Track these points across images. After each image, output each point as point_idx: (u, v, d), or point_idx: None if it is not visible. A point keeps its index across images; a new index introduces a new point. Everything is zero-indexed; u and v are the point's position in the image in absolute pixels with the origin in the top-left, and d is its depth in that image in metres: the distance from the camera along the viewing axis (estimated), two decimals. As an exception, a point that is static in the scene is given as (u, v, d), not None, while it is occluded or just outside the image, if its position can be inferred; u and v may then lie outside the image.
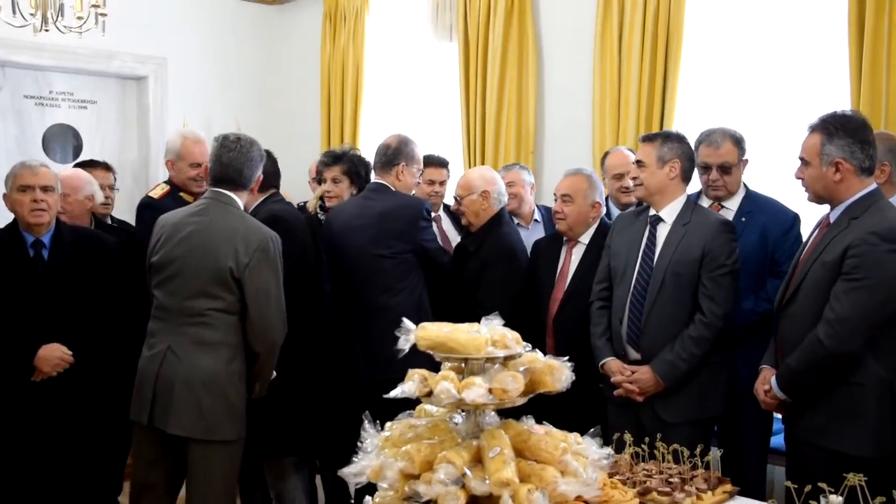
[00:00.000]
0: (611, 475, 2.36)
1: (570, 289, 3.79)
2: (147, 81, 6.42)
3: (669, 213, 3.34)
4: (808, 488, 2.06)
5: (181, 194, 4.14)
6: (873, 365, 2.77)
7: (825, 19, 4.32)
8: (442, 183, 4.78)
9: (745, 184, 3.76)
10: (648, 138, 3.47)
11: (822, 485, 2.04)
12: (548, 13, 5.46)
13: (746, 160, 3.72)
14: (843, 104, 4.13)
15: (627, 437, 2.46)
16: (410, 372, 1.69)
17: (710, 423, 3.33)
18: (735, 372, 3.33)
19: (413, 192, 4.08)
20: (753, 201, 3.69)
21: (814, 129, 2.92)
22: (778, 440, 3.54)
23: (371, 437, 1.75)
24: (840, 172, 2.84)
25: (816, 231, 3.04)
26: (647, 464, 2.43)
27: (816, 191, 2.94)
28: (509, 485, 1.55)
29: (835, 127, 2.85)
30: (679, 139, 3.42)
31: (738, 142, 3.65)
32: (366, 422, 1.76)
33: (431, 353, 1.71)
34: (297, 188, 5.61)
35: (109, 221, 4.48)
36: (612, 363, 3.39)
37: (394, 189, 3.93)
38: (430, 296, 3.96)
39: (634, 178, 3.48)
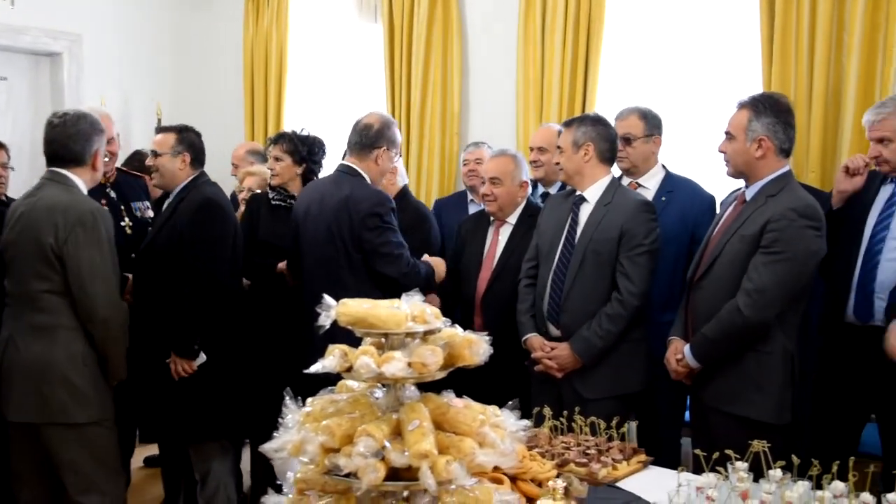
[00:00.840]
0: (530, 448, 2.41)
1: (497, 268, 3.84)
2: (61, 58, 6.19)
3: (592, 193, 3.41)
4: (715, 455, 2.13)
5: None
6: (780, 335, 2.93)
7: (738, 7, 4.47)
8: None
9: (664, 165, 3.85)
10: (566, 124, 3.54)
11: (729, 452, 2.12)
12: (471, -6, 5.49)
13: (658, 139, 3.77)
14: (756, 87, 4.29)
15: (547, 411, 2.52)
16: (331, 347, 1.70)
17: (630, 399, 3.41)
18: (652, 348, 3.42)
19: (385, 178, 3.86)
20: (673, 182, 3.80)
21: (743, 105, 3.05)
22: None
23: (292, 412, 1.75)
24: (762, 149, 2.98)
25: (731, 207, 3.16)
26: (566, 437, 2.50)
27: (737, 165, 3.06)
28: (428, 456, 1.58)
29: (763, 106, 3.00)
30: (594, 122, 3.46)
31: (644, 116, 3.73)
32: (287, 398, 1.76)
33: (352, 328, 1.72)
34: (221, 168, 5.52)
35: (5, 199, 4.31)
36: (533, 339, 3.45)
37: (364, 175, 3.59)
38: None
39: (557, 163, 3.53)
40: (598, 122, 3.46)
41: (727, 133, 3.08)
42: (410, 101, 5.60)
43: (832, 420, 3.33)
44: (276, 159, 4.10)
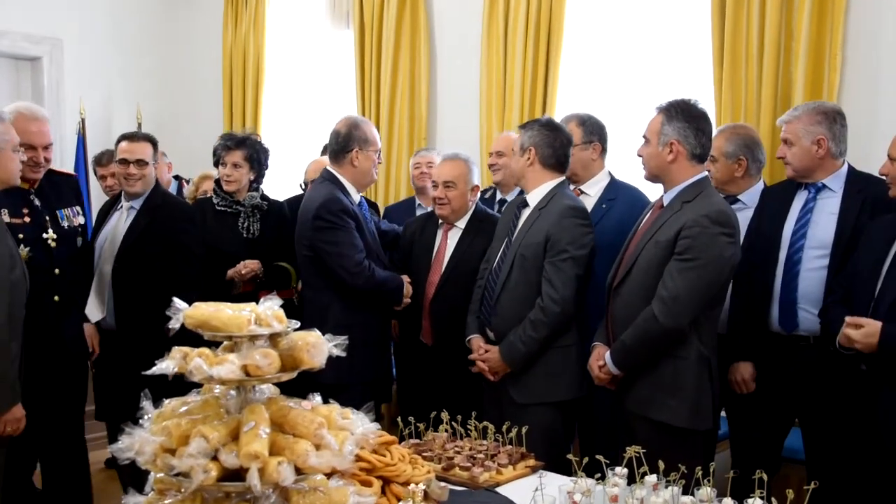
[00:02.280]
0: (420, 452, 2.45)
1: (446, 273, 3.85)
2: (41, 62, 6.32)
3: (534, 197, 3.42)
4: (585, 460, 2.15)
5: None
6: (695, 341, 2.93)
7: (691, 14, 4.52)
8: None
9: (609, 172, 3.83)
10: (520, 127, 3.55)
11: (600, 457, 2.13)
12: (439, 2, 5.54)
13: (597, 146, 3.73)
14: (708, 92, 4.31)
15: (444, 415, 2.54)
16: (174, 349, 1.73)
17: (566, 405, 3.40)
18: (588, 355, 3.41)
19: (373, 174, 3.82)
20: (616, 189, 3.77)
21: (659, 110, 3.07)
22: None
23: (148, 413, 1.79)
24: (673, 153, 2.98)
25: (649, 213, 3.16)
26: (463, 441, 2.52)
27: (651, 168, 3.08)
28: (258, 457, 1.61)
29: (676, 110, 3.01)
30: (542, 126, 3.44)
31: (582, 123, 3.70)
32: (143, 399, 1.80)
33: (199, 331, 1.76)
34: (202, 171, 5.57)
35: None
36: (473, 340, 3.48)
37: (343, 179, 3.70)
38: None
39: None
40: (546, 126, 3.44)
41: (644, 137, 3.09)
42: (380, 106, 5.68)
43: (757, 428, 3.33)
44: (236, 166, 4.03)
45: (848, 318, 2.77)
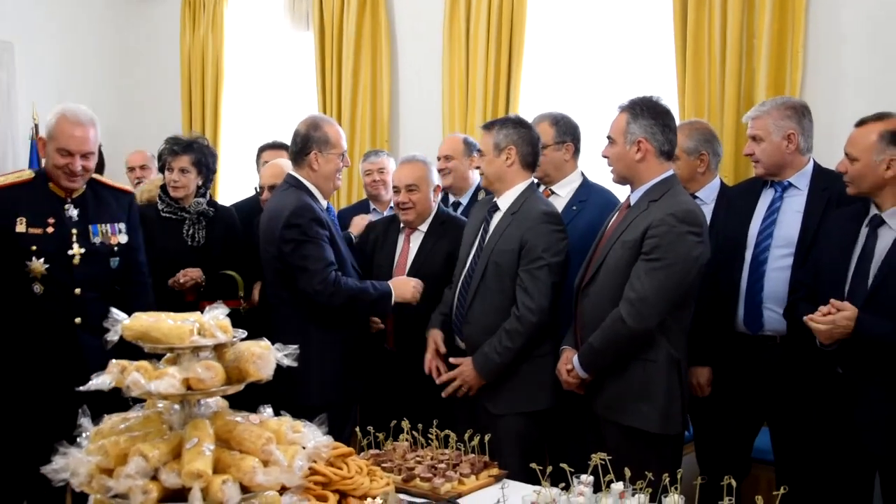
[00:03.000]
0: (380, 463, 2.36)
1: (409, 276, 3.76)
2: (-8, 66, 6.15)
3: (505, 201, 3.31)
4: (549, 469, 2.08)
5: (50, 185, 3.26)
6: (664, 343, 2.87)
7: (654, 13, 4.49)
8: None
9: (582, 173, 3.72)
10: (486, 126, 3.39)
11: (564, 465, 2.06)
12: (400, 2, 5.47)
13: (570, 146, 3.61)
14: (671, 91, 4.29)
15: (405, 423, 2.46)
16: (111, 362, 1.64)
17: (540, 416, 3.29)
18: None
19: (336, 179, 3.55)
20: (588, 190, 3.66)
21: (622, 109, 3.00)
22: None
23: (86, 431, 1.69)
24: (641, 151, 2.91)
25: (617, 213, 3.10)
26: (425, 451, 2.44)
27: (619, 169, 3.01)
28: (201, 476, 1.53)
29: (641, 108, 2.94)
30: (516, 124, 3.33)
31: (555, 122, 3.58)
32: (81, 415, 1.70)
33: (139, 343, 1.67)
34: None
35: None
36: (433, 332, 3.43)
37: (307, 183, 3.44)
38: None
39: (478, 168, 3.44)
40: (521, 124, 3.33)
41: (608, 137, 3.02)
42: (341, 109, 5.59)
43: (724, 429, 3.29)
44: (183, 171, 3.89)
45: (822, 308, 2.71)
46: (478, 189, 4.16)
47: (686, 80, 4.23)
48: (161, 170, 3.99)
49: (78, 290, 3.24)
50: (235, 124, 6.38)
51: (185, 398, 1.64)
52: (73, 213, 3.27)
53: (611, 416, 2.93)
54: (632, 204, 2.98)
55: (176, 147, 3.94)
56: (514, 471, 2.56)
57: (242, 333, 1.73)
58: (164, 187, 3.93)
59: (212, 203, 3.98)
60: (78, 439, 1.71)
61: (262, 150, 4.63)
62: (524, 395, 3.23)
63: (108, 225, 3.35)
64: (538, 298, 3.15)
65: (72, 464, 1.59)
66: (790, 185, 3.19)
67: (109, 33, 6.83)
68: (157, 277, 3.68)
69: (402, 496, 2.20)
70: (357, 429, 2.46)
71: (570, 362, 3.03)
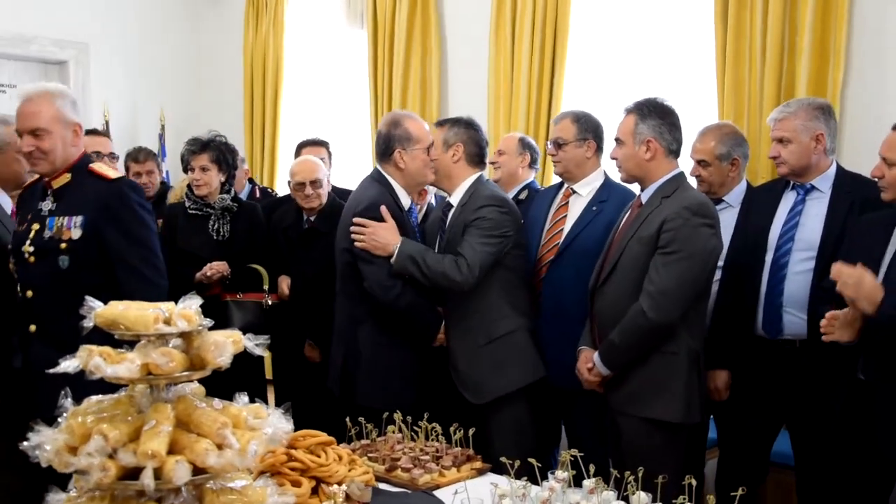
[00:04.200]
0: (367, 453, 2.43)
1: None
2: (68, 66, 6.49)
3: (456, 197, 3.38)
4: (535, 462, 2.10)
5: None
6: (685, 335, 2.89)
7: (694, 13, 4.45)
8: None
9: (605, 172, 3.70)
10: (439, 124, 3.49)
11: (532, 460, 2.08)
12: (450, 2, 5.56)
13: (592, 143, 3.52)
14: (711, 91, 4.23)
15: (397, 416, 2.52)
16: (82, 347, 1.74)
17: (529, 394, 3.31)
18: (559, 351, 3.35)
19: (427, 175, 3.40)
20: (609, 191, 3.58)
21: (629, 111, 3.05)
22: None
23: (66, 410, 1.80)
24: (650, 151, 2.96)
25: (629, 212, 3.12)
26: (415, 443, 2.49)
27: (629, 169, 3.05)
28: (155, 456, 1.61)
29: (648, 109, 2.99)
30: (467, 125, 3.41)
31: (577, 120, 3.53)
32: (63, 397, 1.81)
33: (110, 330, 1.77)
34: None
35: None
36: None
37: (392, 180, 3.36)
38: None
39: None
40: (471, 125, 3.43)
41: (617, 139, 3.06)
42: (392, 105, 5.68)
43: (743, 434, 3.25)
44: (204, 169, 3.96)
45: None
46: (525, 187, 4.19)
47: (726, 80, 4.16)
48: (184, 170, 4.14)
49: (29, 293, 2.95)
50: (294, 120, 6.56)
51: (150, 383, 1.73)
52: (47, 206, 2.98)
53: (629, 409, 2.96)
54: (643, 202, 3.01)
55: (193, 147, 4.04)
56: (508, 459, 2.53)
57: (209, 322, 1.82)
58: (190, 185, 4.06)
59: (236, 198, 4.10)
60: (59, 419, 1.82)
61: (301, 146, 4.73)
62: (497, 377, 3.24)
63: (66, 217, 2.93)
64: (470, 253, 3.17)
65: (42, 440, 1.69)
66: (813, 187, 3.12)
67: (179, 34, 7.11)
68: (184, 271, 3.81)
69: (381, 485, 2.26)
70: (347, 419, 2.53)
71: (589, 361, 3.05)
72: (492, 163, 4.23)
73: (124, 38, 6.75)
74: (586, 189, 3.59)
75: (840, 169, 3.15)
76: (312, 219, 4.10)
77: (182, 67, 7.13)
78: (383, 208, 3.22)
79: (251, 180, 5.40)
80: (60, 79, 6.54)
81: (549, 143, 3.63)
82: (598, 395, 3.28)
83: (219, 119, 6.88)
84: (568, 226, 3.44)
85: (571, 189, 3.61)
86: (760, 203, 3.25)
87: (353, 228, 3.21)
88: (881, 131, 3.71)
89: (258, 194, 5.17)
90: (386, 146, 3.33)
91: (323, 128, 6.28)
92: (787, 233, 3.11)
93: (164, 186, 5.68)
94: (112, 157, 4.32)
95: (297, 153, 4.66)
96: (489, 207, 3.23)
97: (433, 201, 4.31)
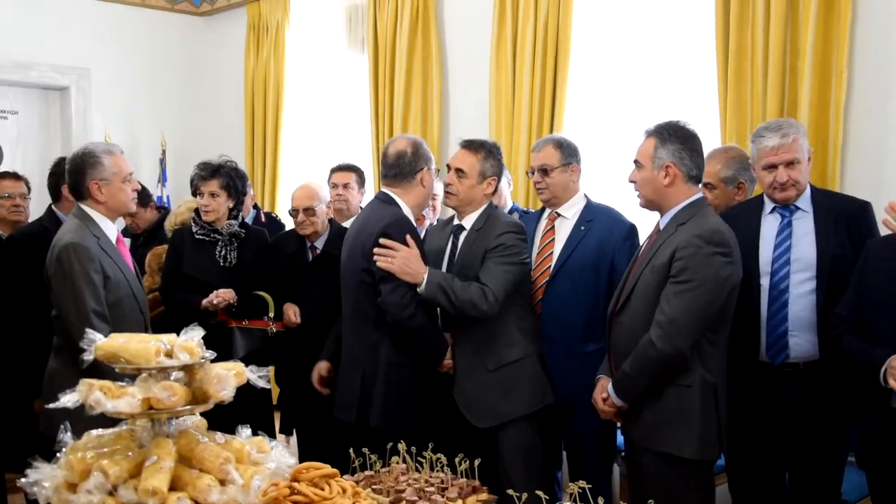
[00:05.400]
0: (372, 485, 2.39)
1: None
2: (69, 92, 6.50)
3: (469, 220, 3.38)
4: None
5: None
6: (698, 367, 2.81)
7: (696, 34, 4.44)
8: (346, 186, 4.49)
9: (585, 194, 3.65)
10: (474, 148, 3.37)
11: (540, 493, 2.04)
12: (450, 26, 5.58)
13: (576, 167, 3.55)
14: (713, 111, 4.22)
15: (402, 446, 2.48)
16: (81, 381, 1.72)
17: (538, 420, 3.30)
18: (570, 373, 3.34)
19: (436, 196, 3.57)
20: (593, 211, 3.60)
21: (649, 134, 2.95)
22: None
23: (66, 445, 1.77)
24: (669, 176, 2.86)
25: (647, 240, 3.05)
26: (420, 474, 2.45)
27: (647, 194, 2.95)
28: (157, 493, 1.59)
29: (668, 133, 2.89)
30: (499, 156, 3.41)
31: (559, 145, 3.54)
32: (62, 430, 1.79)
33: (111, 364, 1.74)
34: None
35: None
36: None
37: (401, 202, 3.31)
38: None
39: (449, 186, 3.41)
40: (500, 155, 3.44)
41: (636, 162, 2.96)
42: (393, 129, 5.68)
43: (757, 463, 3.19)
44: (213, 195, 3.93)
45: None
46: (512, 210, 4.18)
47: (728, 100, 4.14)
48: (193, 194, 4.07)
49: None
50: (295, 143, 6.57)
51: (150, 417, 1.70)
52: None
53: (646, 444, 2.88)
54: (661, 228, 2.93)
55: (203, 172, 3.98)
56: (519, 487, 2.50)
57: (211, 355, 1.79)
58: (197, 210, 4.03)
59: (243, 224, 4.07)
60: (58, 454, 1.80)
61: (331, 171, 4.63)
62: (504, 401, 3.23)
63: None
64: (495, 281, 3.18)
65: (41, 477, 1.67)
66: (797, 207, 3.07)
67: (180, 58, 7.14)
68: (191, 298, 3.84)
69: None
70: (350, 450, 2.49)
71: (605, 391, 2.99)
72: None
73: (125, 62, 6.78)
74: (571, 211, 3.60)
75: (813, 186, 3.14)
76: (317, 244, 4.07)
77: (183, 91, 7.14)
78: (409, 238, 3.19)
79: (255, 206, 5.37)
80: (62, 104, 6.58)
81: (529, 171, 3.62)
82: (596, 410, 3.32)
83: (219, 143, 6.89)
84: (558, 247, 3.45)
85: (556, 213, 3.61)
86: (739, 229, 3.07)
87: (379, 251, 3.16)
88: (882, 151, 3.75)
89: (263, 219, 5.14)
90: (414, 164, 3.30)
91: (324, 152, 6.30)
92: (782, 255, 3.05)
93: (166, 211, 5.68)
94: None
95: (330, 178, 4.54)
96: (510, 234, 3.24)
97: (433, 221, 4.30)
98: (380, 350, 3.24)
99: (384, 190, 3.38)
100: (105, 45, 6.64)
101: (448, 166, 3.42)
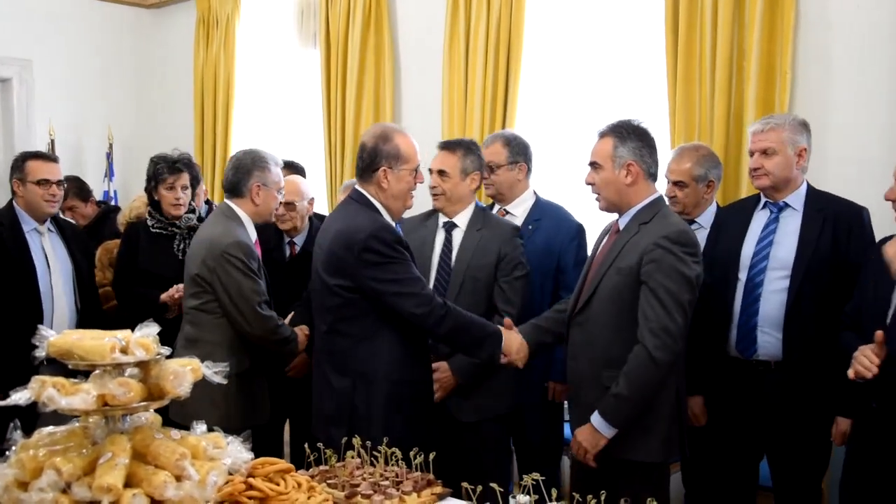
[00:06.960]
0: (327, 479, 2.39)
1: None
2: (11, 83, 6.34)
3: (462, 218, 3.38)
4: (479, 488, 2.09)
5: None
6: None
7: (647, 35, 4.51)
8: None
9: (535, 192, 3.71)
10: (450, 148, 3.39)
11: (494, 485, 2.07)
12: (403, 22, 5.57)
13: (523, 166, 3.60)
14: (663, 112, 4.29)
15: (356, 440, 2.48)
16: (33, 378, 1.69)
17: (506, 419, 3.39)
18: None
19: (407, 200, 3.08)
20: (542, 209, 3.65)
21: (604, 133, 2.90)
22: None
23: (16, 443, 1.74)
24: (631, 175, 2.82)
25: (606, 238, 3.00)
26: (372, 468, 2.46)
27: (608, 195, 2.89)
28: (112, 490, 1.57)
29: (626, 131, 2.86)
30: (478, 151, 3.41)
31: (507, 143, 3.58)
32: (12, 429, 1.76)
33: (64, 361, 1.72)
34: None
35: None
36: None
37: (374, 200, 3.00)
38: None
39: (435, 187, 3.45)
40: (479, 151, 3.44)
41: (593, 164, 2.90)
42: (345, 126, 5.67)
43: (726, 459, 3.24)
44: (185, 188, 3.91)
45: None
46: None
47: (677, 101, 4.22)
48: (154, 187, 3.96)
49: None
50: (246, 138, 6.49)
51: (105, 414, 1.68)
52: None
53: (613, 453, 2.79)
54: (621, 228, 2.89)
55: (178, 165, 3.92)
56: (490, 478, 2.47)
57: (167, 351, 1.78)
58: (153, 204, 3.96)
59: (201, 218, 4.03)
60: (7, 452, 1.77)
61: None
62: (493, 400, 3.32)
63: None
64: (517, 306, 3.30)
65: (-8, 476, 1.64)
66: (786, 205, 3.12)
67: (127, 50, 7.02)
68: (149, 292, 3.80)
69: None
70: (306, 444, 2.49)
71: (586, 439, 2.78)
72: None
73: (69, 54, 6.63)
74: (519, 209, 3.66)
75: (810, 187, 3.16)
76: (296, 240, 4.06)
77: (130, 85, 7.02)
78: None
79: (207, 200, 5.29)
80: (3, 97, 6.41)
81: None
82: (545, 404, 3.55)
83: (168, 137, 6.76)
84: None
85: (505, 210, 3.65)
86: (731, 223, 3.21)
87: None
88: (823, 152, 3.85)
89: None
90: (370, 161, 2.97)
91: (275, 147, 6.22)
92: (762, 251, 3.09)
93: (108, 206, 5.58)
94: (60, 184, 4.01)
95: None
96: (520, 241, 3.36)
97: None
98: (379, 366, 2.96)
99: (357, 188, 3.06)
100: (48, 36, 6.49)
101: (430, 170, 3.36)
